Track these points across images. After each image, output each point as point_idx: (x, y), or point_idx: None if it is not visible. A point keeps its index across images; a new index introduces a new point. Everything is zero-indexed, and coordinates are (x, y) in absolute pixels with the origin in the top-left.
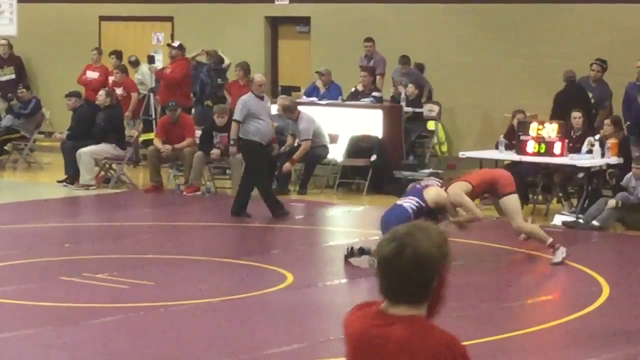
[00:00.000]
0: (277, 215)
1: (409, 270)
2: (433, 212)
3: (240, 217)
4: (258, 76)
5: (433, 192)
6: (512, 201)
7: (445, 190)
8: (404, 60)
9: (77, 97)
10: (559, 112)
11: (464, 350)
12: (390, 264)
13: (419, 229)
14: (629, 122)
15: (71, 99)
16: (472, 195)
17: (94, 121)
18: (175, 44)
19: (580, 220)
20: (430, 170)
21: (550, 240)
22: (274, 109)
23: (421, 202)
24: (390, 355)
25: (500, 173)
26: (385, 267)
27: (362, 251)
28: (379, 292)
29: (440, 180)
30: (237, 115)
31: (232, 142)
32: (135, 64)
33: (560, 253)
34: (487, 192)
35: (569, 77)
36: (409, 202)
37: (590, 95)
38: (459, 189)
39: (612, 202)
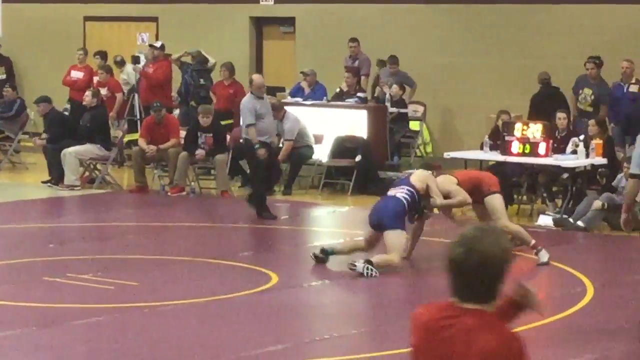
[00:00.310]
0: (262, 217)
1: (475, 273)
2: (421, 200)
3: (264, 218)
4: (257, 77)
5: (417, 173)
6: (497, 200)
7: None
8: (392, 60)
9: (46, 102)
10: (535, 114)
11: (523, 346)
12: (458, 266)
13: (486, 233)
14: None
15: (40, 105)
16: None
17: (77, 121)
18: (157, 44)
19: (571, 219)
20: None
21: (534, 241)
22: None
23: (411, 189)
24: (457, 342)
25: (485, 174)
26: (454, 269)
27: (324, 252)
28: (449, 290)
29: (429, 170)
30: (248, 120)
31: (256, 146)
32: (121, 63)
33: (544, 254)
34: (471, 191)
35: (544, 79)
36: (400, 192)
37: (591, 92)
38: (446, 179)
39: (597, 204)
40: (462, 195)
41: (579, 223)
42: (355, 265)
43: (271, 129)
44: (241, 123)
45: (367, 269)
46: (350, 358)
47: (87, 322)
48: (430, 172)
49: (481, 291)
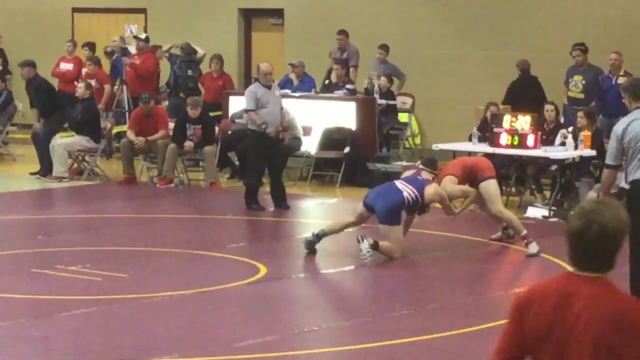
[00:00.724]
0: (251, 209)
1: (594, 244)
2: (425, 206)
3: (253, 210)
4: (264, 65)
5: (432, 191)
6: (492, 185)
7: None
8: (382, 47)
9: (30, 67)
10: (510, 102)
11: None
12: (578, 238)
13: (605, 206)
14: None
15: (24, 68)
16: (462, 182)
17: (64, 108)
18: (142, 36)
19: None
20: (404, 162)
21: (525, 232)
22: None
23: (419, 197)
24: (579, 308)
25: (480, 159)
26: (574, 240)
27: (316, 236)
28: (568, 260)
29: (435, 172)
30: (248, 105)
31: (264, 126)
32: (112, 54)
33: (534, 246)
34: (469, 179)
35: (524, 67)
36: (407, 191)
37: (581, 78)
38: (451, 186)
39: (592, 194)
40: (469, 194)
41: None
42: (362, 241)
43: (273, 120)
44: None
45: (368, 252)
46: (339, 350)
47: (75, 314)
48: (434, 179)
49: (600, 261)
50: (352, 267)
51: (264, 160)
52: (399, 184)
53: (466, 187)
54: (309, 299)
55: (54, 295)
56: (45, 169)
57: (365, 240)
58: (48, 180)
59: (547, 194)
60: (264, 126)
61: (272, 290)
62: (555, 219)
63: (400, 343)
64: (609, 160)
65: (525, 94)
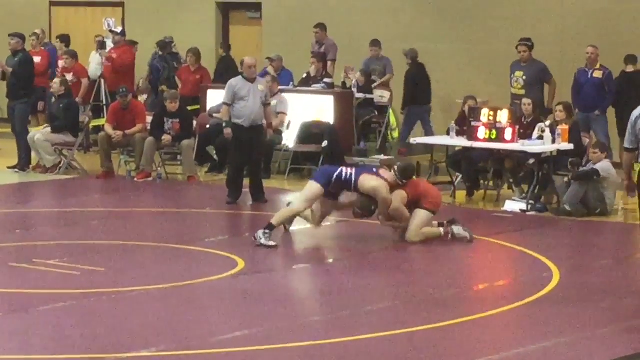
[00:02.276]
0: (227, 202)
1: None
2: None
3: (259, 203)
4: (247, 58)
5: (371, 184)
6: (423, 216)
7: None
8: (373, 43)
9: (20, 39)
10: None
11: None
12: None
13: None
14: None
15: (14, 38)
16: (407, 200)
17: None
18: (118, 29)
19: (567, 207)
20: (382, 156)
21: (441, 229)
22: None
23: (353, 178)
24: None
25: (434, 190)
26: None
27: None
28: None
29: (401, 180)
30: (224, 98)
31: (224, 125)
32: (102, 45)
33: (457, 229)
34: (415, 200)
35: (412, 56)
36: (347, 169)
37: (522, 74)
38: (398, 201)
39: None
40: (404, 221)
41: (566, 207)
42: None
43: (251, 114)
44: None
45: (264, 233)
46: (318, 343)
47: (53, 308)
48: (394, 177)
49: None
50: (331, 260)
51: (242, 153)
52: (345, 167)
53: (408, 216)
54: (287, 293)
55: (32, 289)
56: (23, 162)
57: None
58: (40, 172)
59: (525, 187)
60: (224, 124)
61: (250, 284)
62: (533, 213)
63: (381, 336)
64: (625, 144)
65: (417, 82)
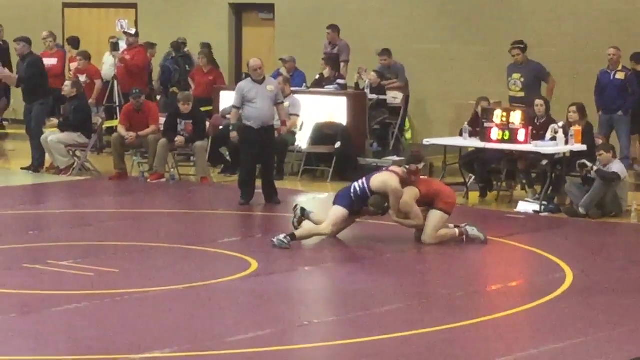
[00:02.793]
0: (240, 203)
1: None
2: (382, 200)
3: (272, 204)
4: (253, 60)
5: (380, 178)
6: (437, 217)
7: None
8: (383, 52)
9: (26, 43)
10: None
11: None
12: None
13: None
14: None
15: (20, 43)
16: (420, 198)
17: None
18: (132, 31)
19: (581, 210)
20: (395, 157)
21: (456, 229)
22: None
23: (366, 185)
24: None
25: (446, 189)
26: None
27: (303, 212)
28: None
29: (407, 165)
30: (234, 101)
31: (231, 128)
32: (115, 46)
33: (472, 229)
34: (428, 201)
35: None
36: (357, 183)
37: (519, 75)
38: (409, 196)
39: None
40: (418, 220)
41: (580, 210)
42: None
43: (260, 116)
44: None
45: (285, 238)
46: (330, 344)
47: (67, 309)
48: (404, 171)
49: None
50: (344, 262)
51: (253, 154)
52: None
53: (418, 213)
54: (300, 294)
55: (46, 290)
56: (37, 163)
57: (284, 238)
58: (54, 174)
59: (538, 188)
60: (231, 127)
61: (263, 285)
62: (546, 214)
63: (392, 338)
64: None
65: None
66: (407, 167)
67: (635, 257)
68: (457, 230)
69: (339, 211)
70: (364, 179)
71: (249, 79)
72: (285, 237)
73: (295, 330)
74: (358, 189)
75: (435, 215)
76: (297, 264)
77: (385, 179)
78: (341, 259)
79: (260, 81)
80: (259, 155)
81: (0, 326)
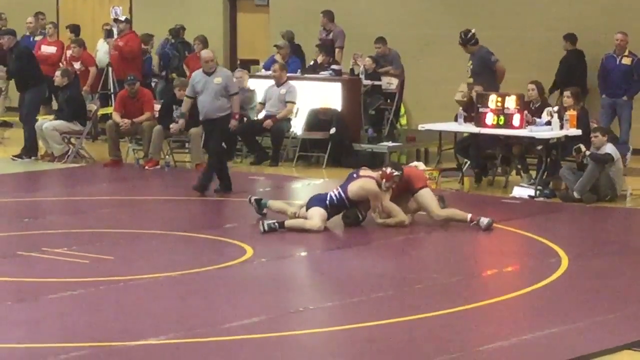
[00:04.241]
0: (215, 190)
1: None
2: (355, 205)
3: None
4: (204, 52)
5: (357, 184)
6: (426, 194)
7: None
8: (380, 41)
9: (11, 35)
10: None
11: None
12: None
13: None
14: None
15: (4, 37)
16: (392, 194)
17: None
18: (123, 18)
19: (575, 194)
20: (390, 143)
21: (469, 215)
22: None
23: (343, 194)
24: None
25: (410, 170)
26: None
27: (257, 202)
28: None
29: (396, 170)
30: (186, 92)
31: (178, 115)
32: (110, 33)
33: (483, 220)
34: (404, 189)
35: (289, 37)
36: (333, 191)
37: (471, 63)
38: (386, 199)
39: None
40: (400, 217)
41: (575, 194)
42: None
43: (202, 108)
44: None
45: (274, 223)
46: (326, 330)
47: (61, 296)
48: (378, 174)
49: None
50: (339, 248)
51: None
52: (332, 190)
53: (398, 210)
54: (295, 280)
55: (41, 277)
56: (27, 150)
57: (266, 221)
58: (48, 161)
59: (533, 173)
60: (176, 118)
61: (258, 272)
62: (541, 199)
63: (388, 323)
64: None
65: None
66: (384, 169)
67: (630, 241)
68: (469, 215)
69: (321, 211)
70: (339, 188)
71: (201, 70)
72: (274, 223)
73: (290, 316)
74: (335, 198)
75: (424, 195)
76: (292, 250)
77: (361, 184)
78: (337, 245)
79: (210, 73)
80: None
81: None
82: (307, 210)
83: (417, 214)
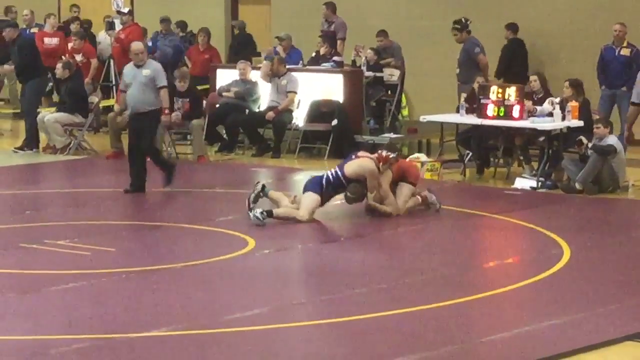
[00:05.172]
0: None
1: None
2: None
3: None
4: (133, 44)
5: (355, 163)
6: (408, 189)
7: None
8: (381, 34)
9: (12, 27)
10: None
11: None
12: None
13: None
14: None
15: (6, 30)
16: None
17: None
18: (125, 10)
19: (577, 186)
20: (392, 135)
21: (418, 196)
22: (235, 75)
23: (339, 173)
24: None
25: (410, 165)
26: None
27: (263, 189)
28: None
29: (394, 154)
30: (120, 85)
31: (115, 110)
32: (111, 25)
33: (430, 195)
34: (398, 178)
35: (240, 26)
36: (330, 171)
37: (458, 54)
38: (387, 183)
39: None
40: (393, 208)
41: (576, 185)
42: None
43: (130, 102)
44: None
45: (261, 214)
46: (327, 322)
47: (64, 288)
48: (375, 156)
49: None
50: (341, 239)
51: (131, 139)
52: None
53: (394, 201)
54: (297, 272)
55: (43, 269)
56: (27, 141)
57: (258, 210)
58: (50, 153)
59: (535, 165)
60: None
61: (261, 263)
62: (543, 190)
63: (390, 315)
64: (633, 98)
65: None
66: (380, 151)
67: (632, 232)
68: (418, 197)
69: (313, 197)
70: (337, 167)
71: (132, 63)
72: (261, 213)
73: (292, 308)
74: (331, 177)
75: (405, 188)
76: (295, 242)
77: (359, 162)
78: (337, 237)
79: (140, 66)
80: (136, 141)
81: None
82: (303, 193)
83: (416, 209)
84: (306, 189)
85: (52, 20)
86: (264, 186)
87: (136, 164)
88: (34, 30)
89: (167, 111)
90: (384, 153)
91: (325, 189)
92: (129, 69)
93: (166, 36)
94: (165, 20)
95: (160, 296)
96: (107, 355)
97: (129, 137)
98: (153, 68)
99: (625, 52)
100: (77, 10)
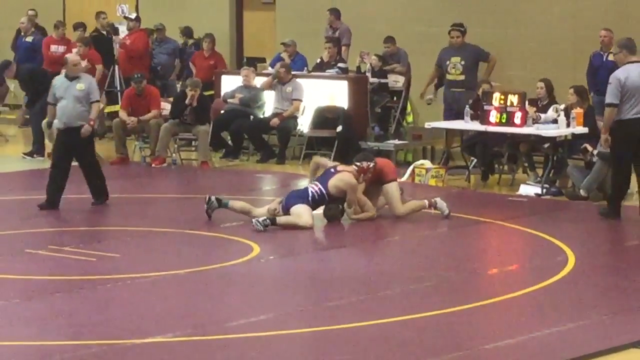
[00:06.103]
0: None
1: None
2: (337, 199)
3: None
4: (70, 56)
5: (336, 179)
6: (393, 187)
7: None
8: (389, 40)
9: (7, 66)
10: None
11: None
12: None
13: None
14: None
15: (5, 70)
16: (366, 184)
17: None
18: (132, 15)
19: (582, 193)
20: (397, 141)
21: (426, 201)
22: (239, 81)
23: (324, 190)
24: None
25: (384, 162)
26: None
27: (219, 202)
28: None
29: (370, 162)
30: (48, 98)
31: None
32: (115, 31)
33: (442, 203)
34: (375, 180)
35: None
36: (313, 187)
37: (459, 59)
38: (360, 192)
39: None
40: (372, 212)
41: (581, 192)
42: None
43: (61, 116)
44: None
45: (264, 221)
46: (332, 329)
47: (69, 294)
48: (355, 169)
49: None
50: (345, 246)
51: (62, 155)
52: (310, 185)
53: (370, 205)
54: (302, 278)
55: (48, 275)
56: (37, 149)
57: (260, 219)
58: (48, 160)
59: (540, 171)
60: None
61: (265, 270)
62: (548, 197)
63: (394, 321)
64: (608, 99)
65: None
66: (359, 164)
67: (637, 239)
68: (426, 201)
69: (305, 207)
70: (319, 184)
71: (63, 74)
72: (264, 221)
73: (297, 314)
74: (316, 194)
75: (391, 188)
76: (299, 248)
77: (340, 177)
78: (342, 243)
79: (73, 78)
80: (69, 156)
81: (3, 312)
82: (287, 207)
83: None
84: (293, 201)
85: (61, 30)
86: (219, 200)
87: (89, 176)
88: (29, 39)
89: (92, 122)
90: (364, 164)
91: (312, 205)
92: (60, 81)
93: (161, 44)
94: (159, 29)
95: (165, 302)
96: None
97: (56, 151)
98: (88, 82)
99: (613, 58)
100: (104, 16)
